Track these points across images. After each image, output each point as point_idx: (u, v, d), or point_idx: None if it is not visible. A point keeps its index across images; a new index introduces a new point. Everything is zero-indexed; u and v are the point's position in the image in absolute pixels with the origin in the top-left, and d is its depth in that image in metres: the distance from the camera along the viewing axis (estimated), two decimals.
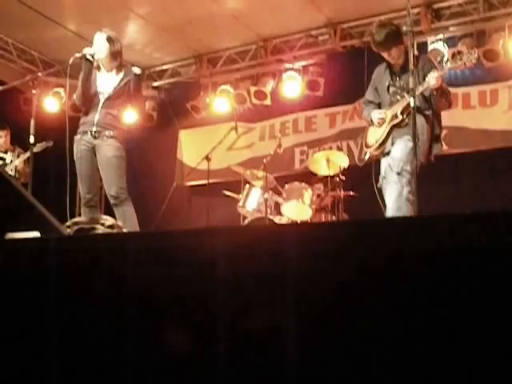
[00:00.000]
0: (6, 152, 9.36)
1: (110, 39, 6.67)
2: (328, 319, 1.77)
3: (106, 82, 6.69)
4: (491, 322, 1.64)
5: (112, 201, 6.46)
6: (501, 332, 1.62)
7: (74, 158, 6.64)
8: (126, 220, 6.24)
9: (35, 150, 8.58)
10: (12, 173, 8.98)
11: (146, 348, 1.97)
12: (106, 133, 6.50)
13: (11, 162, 9.15)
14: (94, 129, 6.52)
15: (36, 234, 2.68)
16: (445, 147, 6.63)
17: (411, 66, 5.55)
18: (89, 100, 6.69)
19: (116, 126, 6.59)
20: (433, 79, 5.85)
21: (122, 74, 6.70)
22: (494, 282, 1.65)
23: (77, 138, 6.64)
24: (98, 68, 6.74)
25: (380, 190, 6.18)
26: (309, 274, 1.80)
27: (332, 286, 1.78)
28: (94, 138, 6.51)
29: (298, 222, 8.36)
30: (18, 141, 9.05)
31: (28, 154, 8.98)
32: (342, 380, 1.74)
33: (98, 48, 6.63)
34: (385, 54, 6.28)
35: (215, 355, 1.86)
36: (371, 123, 6.46)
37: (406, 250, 1.75)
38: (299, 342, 1.79)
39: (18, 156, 9.22)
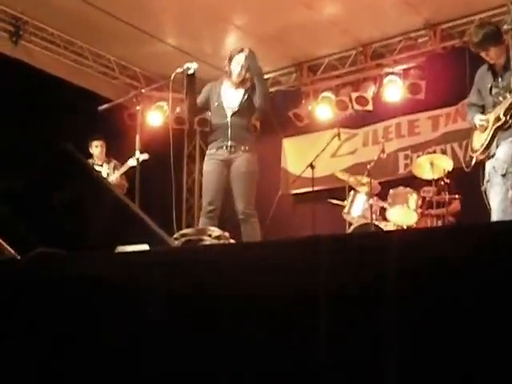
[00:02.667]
0: (101, 165, 9.49)
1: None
2: (434, 337, 1.74)
3: (232, 96, 6.83)
4: None
5: (239, 215, 6.56)
6: None
7: (204, 170, 6.85)
8: (249, 236, 6.35)
9: (132, 163, 8.72)
10: None
11: (245, 354, 1.99)
12: (242, 147, 6.64)
13: (108, 175, 9.26)
14: (229, 143, 6.66)
15: (145, 246, 2.74)
16: None
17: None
18: (198, 111, 6.92)
19: (249, 140, 6.72)
20: None
21: (244, 88, 6.84)
22: None
23: (210, 152, 6.80)
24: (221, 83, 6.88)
25: (485, 193, 6.08)
26: (411, 283, 1.79)
27: (436, 293, 1.76)
28: (230, 152, 6.65)
29: (404, 227, 8.31)
30: (121, 156, 9.22)
31: (125, 167, 9.15)
32: None
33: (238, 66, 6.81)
34: (483, 55, 6.17)
35: (315, 365, 1.87)
36: (475, 127, 6.37)
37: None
38: (401, 358, 1.74)
39: (115, 169, 9.34)
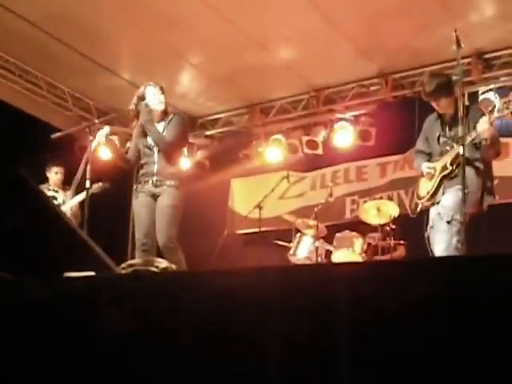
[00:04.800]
0: (56, 191, 9.36)
1: (163, 90, 6.87)
2: (383, 362, 1.77)
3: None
4: None
5: (161, 249, 6.51)
6: None
7: (133, 203, 6.79)
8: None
9: (91, 191, 8.69)
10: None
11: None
12: (167, 182, 6.60)
13: (63, 202, 9.08)
14: (155, 178, 6.63)
15: (91, 273, 2.73)
16: (497, 197, 6.58)
17: (460, 114, 5.60)
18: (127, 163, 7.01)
19: (174, 175, 6.71)
20: (482, 126, 5.83)
21: (164, 123, 6.83)
22: None
23: (137, 186, 6.77)
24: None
25: (428, 239, 6.16)
26: (360, 314, 1.81)
27: (385, 325, 1.79)
28: (155, 186, 6.61)
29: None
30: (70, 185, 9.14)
31: (83, 195, 9.06)
32: None
33: (157, 100, 6.78)
34: (434, 104, 6.30)
35: None
36: (422, 174, 6.47)
37: (452, 290, 1.76)
38: None
39: (72, 197, 9.20)
